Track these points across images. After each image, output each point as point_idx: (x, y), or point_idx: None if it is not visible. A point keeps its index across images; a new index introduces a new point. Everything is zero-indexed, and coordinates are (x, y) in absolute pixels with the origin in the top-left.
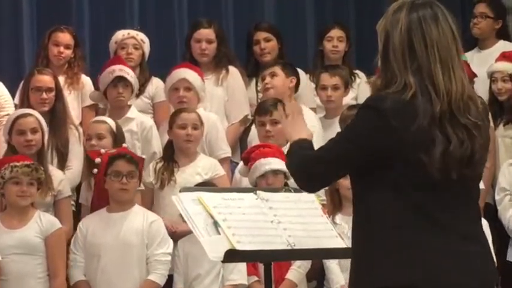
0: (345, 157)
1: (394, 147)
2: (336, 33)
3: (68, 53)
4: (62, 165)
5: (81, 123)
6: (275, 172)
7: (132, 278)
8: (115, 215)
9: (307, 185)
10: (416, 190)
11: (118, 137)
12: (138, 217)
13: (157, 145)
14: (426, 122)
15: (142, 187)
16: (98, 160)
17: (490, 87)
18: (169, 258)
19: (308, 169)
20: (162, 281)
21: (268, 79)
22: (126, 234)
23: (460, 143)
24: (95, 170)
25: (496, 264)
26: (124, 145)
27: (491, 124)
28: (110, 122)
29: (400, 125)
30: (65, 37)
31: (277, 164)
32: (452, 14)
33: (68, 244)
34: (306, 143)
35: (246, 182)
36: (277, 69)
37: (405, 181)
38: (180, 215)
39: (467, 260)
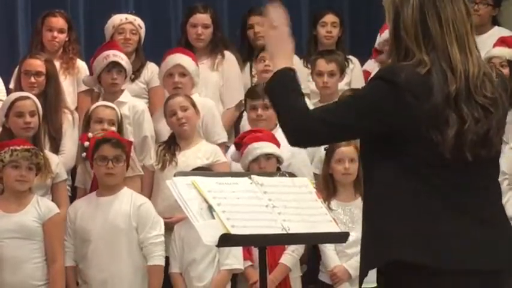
0: (349, 127)
1: (406, 124)
2: (329, 18)
3: (62, 37)
4: (55, 149)
5: (77, 108)
6: (267, 156)
7: (122, 261)
8: (103, 199)
9: (302, 140)
10: (431, 171)
11: (121, 124)
12: (126, 200)
13: (149, 129)
14: (440, 101)
15: (140, 172)
16: (86, 144)
17: None
18: (163, 238)
19: (307, 127)
20: (162, 261)
21: (269, 62)
22: (114, 218)
23: (475, 122)
24: (84, 154)
25: None
26: (112, 128)
27: None
28: (117, 109)
29: (414, 101)
30: (58, 21)
31: (270, 148)
32: None
33: None
34: (292, 79)
35: (235, 167)
36: None
37: (419, 160)
38: (176, 200)
39: (483, 243)
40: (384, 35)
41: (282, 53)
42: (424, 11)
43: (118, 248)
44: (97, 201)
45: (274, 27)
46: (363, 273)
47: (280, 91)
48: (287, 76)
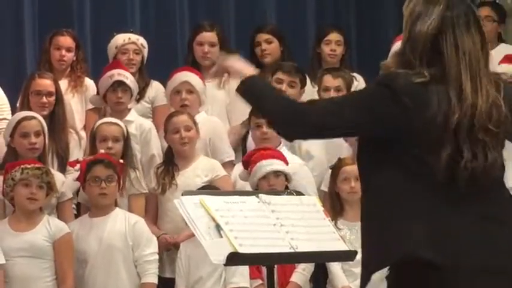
0: (348, 120)
1: (404, 127)
2: (334, 36)
3: (70, 56)
4: (62, 169)
5: (84, 127)
6: (276, 173)
7: (119, 280)
8: (96, 219)
9: (301, 133)
10: (425, 175)
11: (127, 140)
12: (120, 220)
13: (156, 147)
14: (439, 121)
15: (145, 190)
16: (76, 168)
17: None
18: (157, 256)
19: (304, 117)
20: (156, 279)
21: (284, 87)
22: (109, 237)
23: (473, 159)
24: (75, 178)
25: None
26: (101, 151)
27: None
28: (122, 125)
29: (412, 105)
30: (66, 40)
31: (279, 165)
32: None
33: None
34: (266, 83)
35: (239, 185)
36: (297, 80)
37: (419, 161)
38: (183, 219)
39: (486, 239)
40: (392, 50)
41: (241, 68)
42: (440, 33)
43: (115, 267)
44: (90, 222)
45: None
46: (366, 277)
47: (260, 89)
48: (259, 79)
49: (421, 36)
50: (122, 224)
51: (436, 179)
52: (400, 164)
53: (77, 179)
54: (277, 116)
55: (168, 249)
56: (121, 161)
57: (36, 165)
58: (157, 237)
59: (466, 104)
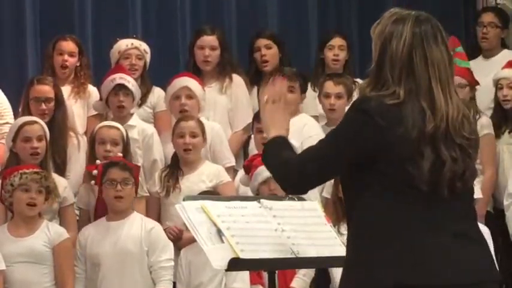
0: (333, 162)
1: (381, 146)
2: (337, 41)
3: (73, 61)
4: (61, 173)
5: (85, 132)
6: None
7: (133, 285)
8: (113, 223)
9: (297, 185)
10: (404, 192)
11: (127, 145)
12: (136, 224)
13: (158, 152)
14: (415, 135)
15: (146, 193)
16: (95, 172)
17: (496, 94)
18: (172, 263)
19: (298, 175)
20: (171, 286)
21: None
22: (124, 242)
23: (453, 162)
24: (93, 182)
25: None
26: (119, 154)
27: (491, 132)
28: (122, 129)
29: (385, 124)
30: (69, 45)
31: None
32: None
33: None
34: (283, 141)
35: (242, 191)
36: (297, 86)
37: (393, 184)
38: (184, 224)
39: (457, 258)
40: None
41: (275, 125)
42: (411, 50)
43: (128, 272)
44: (107, 225)
45: (270, 101)
46: None
47: (271, 155)
48: (275, 142)
49: (397, 54)
50: (138, 229)
51: (412, 196)
52: (378, 184)
53: (95, 183)
54: (284, 184)
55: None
56: (140, 162)
57: (35, 170)
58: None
59: (440, 114)
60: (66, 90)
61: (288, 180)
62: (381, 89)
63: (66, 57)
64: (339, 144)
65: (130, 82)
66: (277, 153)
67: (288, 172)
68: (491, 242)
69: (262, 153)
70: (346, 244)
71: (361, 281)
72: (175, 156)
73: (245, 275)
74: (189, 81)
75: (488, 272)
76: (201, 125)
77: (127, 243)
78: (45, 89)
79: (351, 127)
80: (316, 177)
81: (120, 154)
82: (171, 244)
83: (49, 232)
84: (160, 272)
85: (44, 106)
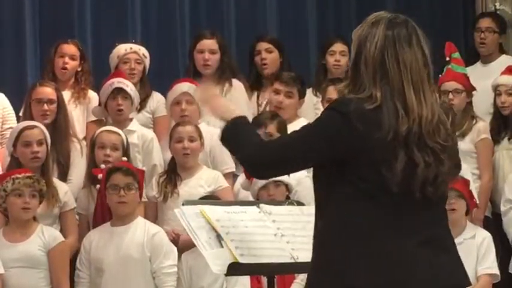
0: (303, 154)
1: (356, 150)
2: (338, 47)
3: (73, 64)
4: (63, 178)
5: (85, 138)
6: (276, 183)
7: None
8: (117, 228)
9: (260, 171)
10: (376, 197)
11: (127, 150)
12: (140, 230)
13: (158, 157)
14: (390, 137)
15: (145, 199)
16: (100, 176)
17: (495, 100)
18: (175, 269)
19: (264, 157)
20: None
21: (281, 97)
22: (127, 247)
23: (426, 166)
24: (98, 186)
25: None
26: (123, 158)
27: (488, 136)
28: (122, 134)
29: (363, 129)
30: (70, 48)
31: None
32: (426, 37)
33: (75, 256)
34: (245, 121)
35: (243, 195)
36: (295, 91)
37: (365, 187)
38: (184, 228)
39: (427, 266)
40: None
41: (224, 111)
42: (384, 51)
43: (131, 278)
44: (111, 230)
45: (204, 102)
46: None
47: (232, 133)
48: (237, 122)
49: (370, 57)
50: (141, 235)
51: (384, 201)
52: (350, 187)
53: (99, 187)
54: (245, 162)
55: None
56: (143, 168)
57: (27, 174)
58: None
59: (413, 115)
60: (66, 95)
61: (255, 164)
62: (358, 91)
63: (67, 59)
64: (311, 139)
65: (129, 86)
66: (243, 134)
67: (254, 154)
68: (493, 247)
69: (222, 133)
70: (312, 243)
71: (329, 285)
72: (172, 162)
73: (246, 279)
74: (189, 87)
75: (455, 280)
76: (198, 129)
77: (130, 249)
78: (48, 91)
79: (327, 126)
80: (279, 165)
81: (125, 158)
82: (174, 249)
83: (44, 236)
84: (163, 278)
85: (46, 107)
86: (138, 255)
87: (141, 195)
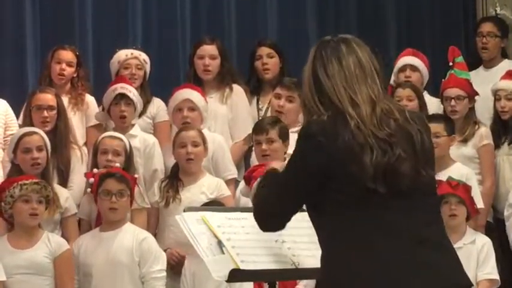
0: (296, 195)
1: (327, 164)
2: None
3: (70, 70)
4: (63, 184)
5: (85, 144)
6: None
7: None
8: (106, 234)
9: (272, 226)
10: (361, 204)
11: (130, 156)
12: (128, 235)
13: (159, 162)
14: (348, 137)
15: (148, 205)
16: (91, 180)
17: (495, 105)
18: (164, 274)
19: (265, 208)
20: None
21: (283, 102)
22: (116, 253)
23: (383, 153)
24: (89, 190)
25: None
26: (116, 165)
27: (490, 142)
28: (125, 140)
29: (326, 141)
30: (67, 54)
31: None
32: (369, 49)
33: None
34: (270, 177)
35: (244, 202)
36: (296, 95)
37: (348, 198)
38: (185, 241)
39: (420, 267)
40: (395, 69)
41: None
42: (316, 69)
43: (120, 283)
44: (100, 236)
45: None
46: None
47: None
48: (268, 177)
49: (307, 82)
50: (130, 240)
51: (369, 204)
52: (333, 199)
53: (91, 191)
54: (258, 223)
55: (173, 267)
56: (141, 172)
57: (35, 180)
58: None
59: (354, 120)
60: (63, 101)
61: (264, 225)
62: (313, 114)
63: (63, 66)
64: (296, 175)
65: (132, 92)
66: (258, 194)
67: (261, 217)
68: (493, 252)
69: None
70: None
71: None
72: (175, 167)
73: (249, 286)
74: (191, 93)
75: (455, 279)
76: (201, 134)
77: (118, 254)
78: (48, 98)
79: (303, 155)
80: (284, 215)
81: (118, 165)
82: (163, 254)
83: (50, 243)
84: (152, 283)
85: (46, 113)
86: (126, 260)
87: (131, 202)
